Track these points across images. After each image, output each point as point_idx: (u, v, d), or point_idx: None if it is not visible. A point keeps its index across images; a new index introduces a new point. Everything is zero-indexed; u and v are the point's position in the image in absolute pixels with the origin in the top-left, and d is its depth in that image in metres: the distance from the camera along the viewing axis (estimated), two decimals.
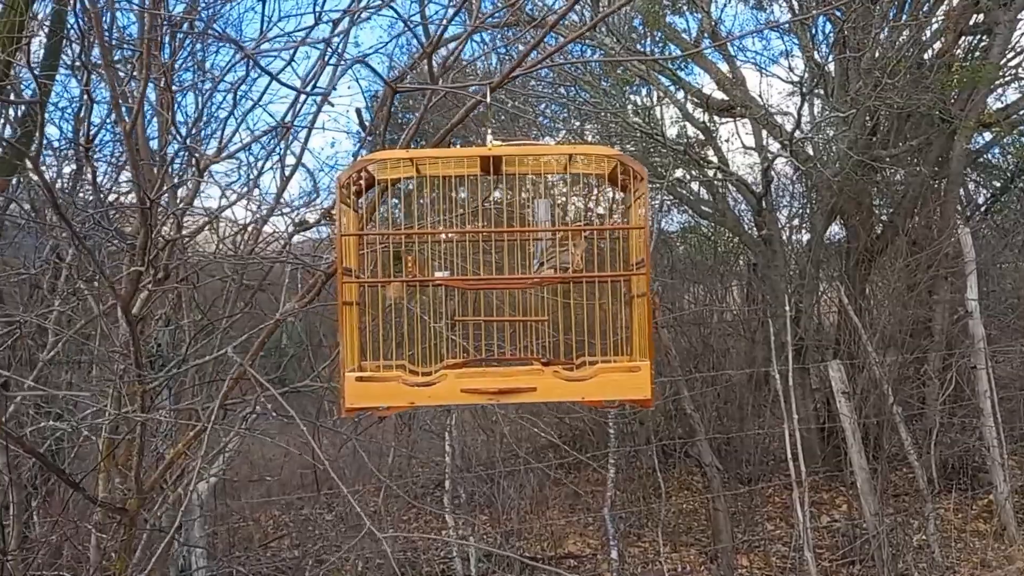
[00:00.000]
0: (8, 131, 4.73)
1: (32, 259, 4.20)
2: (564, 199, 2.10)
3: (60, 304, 2.75)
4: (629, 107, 7.61)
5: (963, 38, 7.60)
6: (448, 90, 2.19)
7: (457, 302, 2.10)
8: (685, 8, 8.29)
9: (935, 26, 7.34)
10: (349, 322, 1.89)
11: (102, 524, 3.03)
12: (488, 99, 1.83)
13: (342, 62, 2.54)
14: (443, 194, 1.99)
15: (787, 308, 6.31)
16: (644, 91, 8.10)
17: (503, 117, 7.36)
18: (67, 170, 4.50)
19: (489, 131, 1.86)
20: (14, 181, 4.22)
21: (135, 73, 2.44)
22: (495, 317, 2.05)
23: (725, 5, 9.80)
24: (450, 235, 1.96)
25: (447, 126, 2.17)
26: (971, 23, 7.48)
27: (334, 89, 2.57)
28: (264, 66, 2.03)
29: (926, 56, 7.46)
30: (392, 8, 2.25)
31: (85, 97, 2.35)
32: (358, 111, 9.13)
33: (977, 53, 7.79)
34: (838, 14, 6.64)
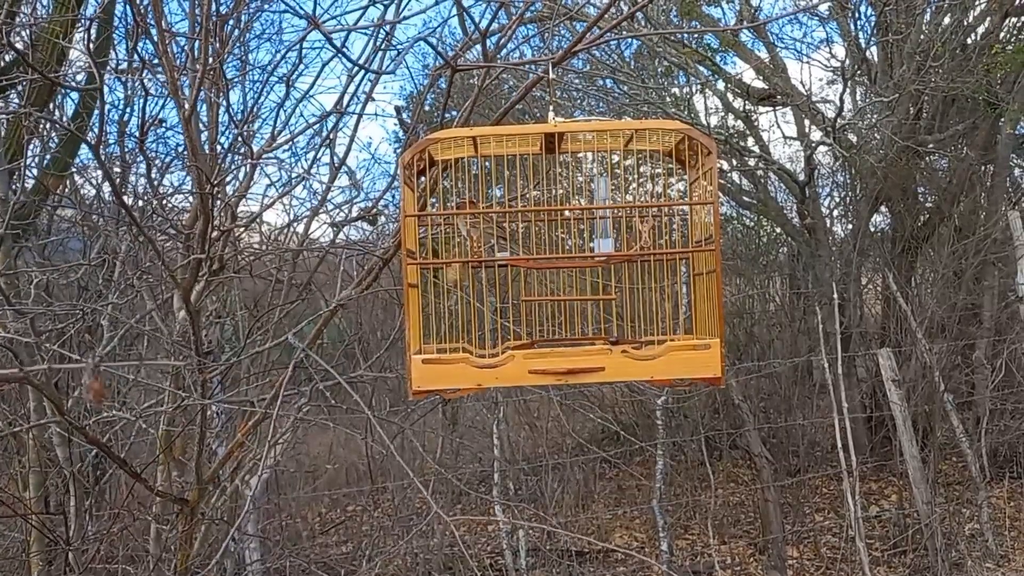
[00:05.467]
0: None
1: (80, 260, 4.24)
2: (627, 176, 2.06)
3: (117, 297, 2.77)
4: (668, 98, 7.55)
5: (1009, 19, 7.45)
6: (506, 67, 2.17)
7: (510, 283, 2.07)
8: None
9: (979, 7, 7.21)
10: (414, 305, 1.87)
11: (161, 516, 3.04)
12: (551, 75, 1.81)
13: (397, 44, 2.53)
14: (505, 174, 1.96)
15: (834, 297, 6.22)
16: (683, 81, 8.05)
17: (538, 114, 7.33)
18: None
19: (551, 107, 1.84)
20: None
21: (188, 64, 2.45)
22: (562, 296, 2.02)
23: None
24: (513, 215, 1.93)
25: (507, 103, 2.16)
26: (1017, 3, 7.33)
27: (391, 72, 2.56)
28: (327, 40, 2.02)
29: (970, 39, 7.33)
30: None
31: (140, 89, 2.37)
32: (397, 109, 9.12)
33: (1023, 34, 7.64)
34: None
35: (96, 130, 2.09)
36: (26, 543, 3.29)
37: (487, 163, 1.99)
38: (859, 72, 7.40)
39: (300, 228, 3.48)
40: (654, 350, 1.86)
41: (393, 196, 3.42)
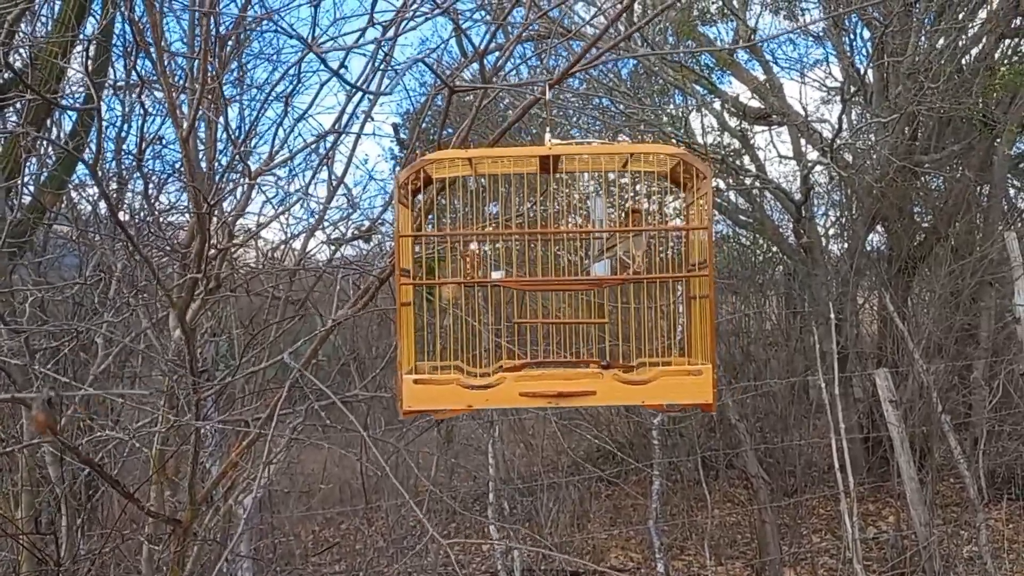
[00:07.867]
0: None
1: (76, 277, 4.23)
2: (623, 198, 2.06)
3: (112, 315, 2.76)
4: (664, 117, 7.58)
5: (1005, 41, 7.49)
6: (504, 88, 2.17)
7: (503, 303, 2.07)
8: (716, 19, 8.26)
9: (975, 29, 7.25)
10: (407, 324, 1.86)
11: (154, 536, 3.02)
12: (548, 96, 1.81)
13: (395, 65, 2.53)
14: (501, 195, 1.96)
15: (831, 316, 6.22)
16: (679, 100, 8.08)
17: (535, 131, 7.35)
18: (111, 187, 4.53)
19: (547, 130, 1.84)
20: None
21: (186, 83, 2.44)
22: (555, 319, 2.01)
23: (760, 14, 9.72)
24: (507, 236, 1.93)
25: (504, 124, 2.15)
26: (1013, 26, 7.37)
27: (389, 94, 2.56)
28: (325, 62, 2.02)
29: (966, 59, 7.36)
30: (447, 15, 2.23)
31: (139, 108, 2.37)
32: (394, 126, 9.14)
33: (1019, 56, 7.68)
34: (877, 17, 6.56)
35: (93, 148, 2.09)
36: (16, 563, 3.27)
37: (483, 183, 1.98)
38: (856, 92, 7.43)
39: (297, 246, 3.48)
40: (646, 374, 1.85)
41: (390, 211, 3.41)
